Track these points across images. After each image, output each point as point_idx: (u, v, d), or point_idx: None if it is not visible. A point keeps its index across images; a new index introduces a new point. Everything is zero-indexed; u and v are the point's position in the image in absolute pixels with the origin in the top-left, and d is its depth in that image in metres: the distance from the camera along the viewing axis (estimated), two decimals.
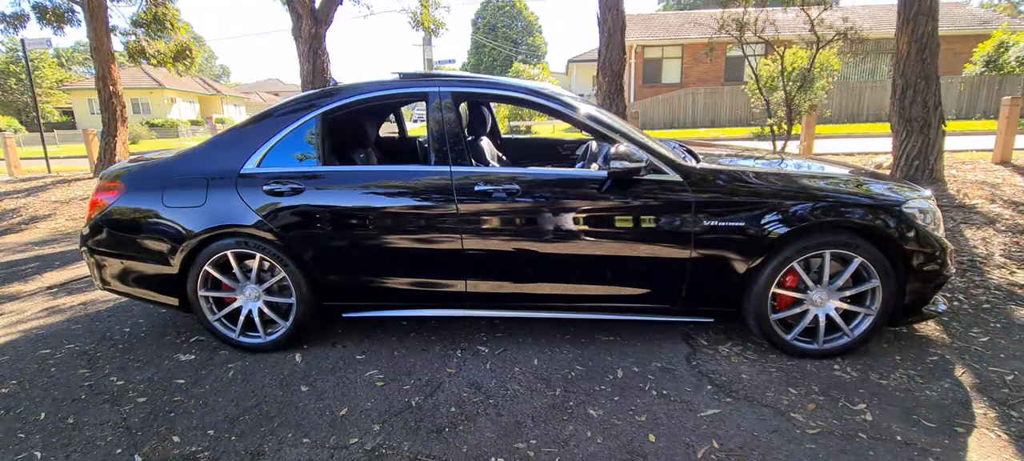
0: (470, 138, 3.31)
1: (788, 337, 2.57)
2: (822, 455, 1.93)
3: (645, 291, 2.58)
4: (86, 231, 2.88)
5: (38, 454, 2.09)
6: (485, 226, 2.54)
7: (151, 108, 34.06)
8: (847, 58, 8.20)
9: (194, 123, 33.87)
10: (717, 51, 19.94)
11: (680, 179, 2.46)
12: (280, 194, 2.62)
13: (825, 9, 6.71)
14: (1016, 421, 2.09)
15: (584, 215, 2.51)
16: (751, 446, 1.99)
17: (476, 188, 2.51)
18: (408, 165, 2.69)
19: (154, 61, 9.89)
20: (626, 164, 2.36)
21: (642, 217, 2.47)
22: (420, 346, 2.86)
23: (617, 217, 2.49)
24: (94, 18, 8.20)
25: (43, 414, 2.37)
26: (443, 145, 2.59)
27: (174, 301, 2.82)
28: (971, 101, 16.64)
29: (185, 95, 37.48)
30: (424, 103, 2.66)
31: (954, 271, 3.07)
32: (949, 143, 6.15)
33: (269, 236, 2.63)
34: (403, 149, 3.92)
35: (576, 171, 2.66)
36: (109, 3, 8.59)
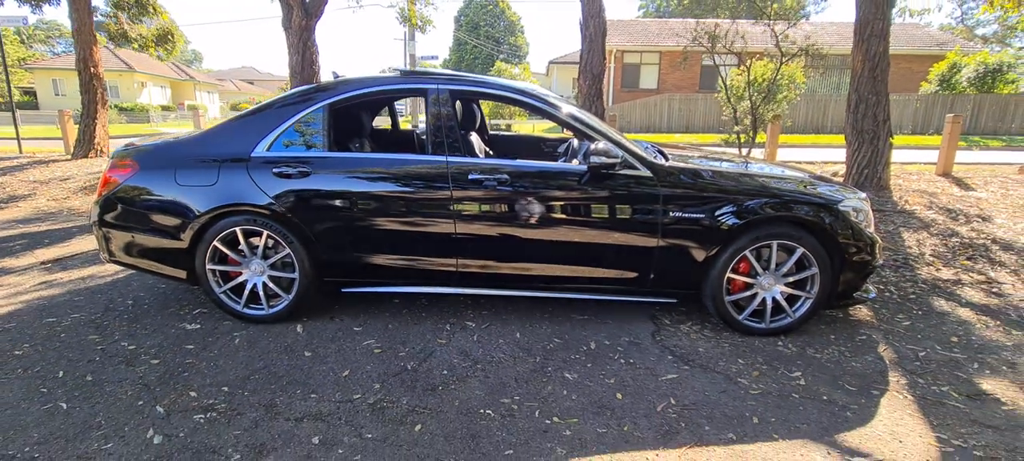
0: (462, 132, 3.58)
1: (740, 317, 2.93)
2: (760, 409, 2.29)
3: (618, 274, 2.91)
4: (98, 206, 3.04)
5: (63, 405, 2.29)
6: (476, 211, 2.83)
7: (120, 92, 33.01)
8: (812, 72, 8.75)
9: (165, 108, 33.03)
10: (692, 60, 20.65)
11: (650, 175, 2.80)
12: (288, 176, 2.85)
13: (790, 26, 7.21)
14: (921, 387, 2.49)
15: (565, 204, 2.82)
16: (702, 403, 2.33)
17: (470, 177, 2.80)
18: (407, 154, 2.96)
19: (136, 45, 9.81)
20: (603, 159, 2.68)
21: (616, 207, 2.80)
22: (412, 320, 3.13)
23: (594, 207, 2.81)
24: (77, 0, 8.13)
25: (61, 372, 2.55)
26: (440, 137, 2.87)
27: (182, 274, 3.02)
28: (926, 117, 17.67)
29: (156, 79, 36.48)
30: (411, 99, 2.92)
31: (881, 262, 3.50)
32: (902, 155, 6.73)
33: (277, 215, 2.85)
34: (395, 140, 4.17)
35: (559, 164, 2.97)
36: None
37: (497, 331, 3.01)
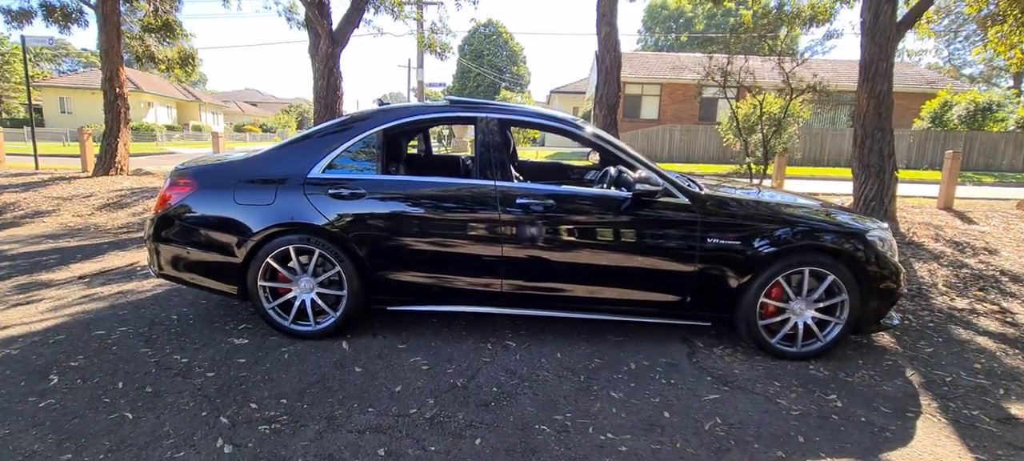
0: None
1: (772, 341, 3.04)
2: (804, 429, 2.38)
3: (656, 297, 3.03)
4: (153, 222, 3.15)
5: (129, 415, 2.36)
6: (523, 233, 2.95)
7: None
8: (813, 107, 9.07)
9: (170, 128, 33.28)
10: (692, 92, 21.16)
11: (689, 203, 2.95)
12: (342, 197, 2.97)
13: (797, 65, 7.51)
14: (953, 410, 2.60)
15: (607, 229, 2.96)
16: (748, 421, 2.43)
17: (518, 200, 2.94)
18: (456, 177, 3.09)
19: (162, 67, 10.04)
20: (647, 186, 2.83)
21: (656, 233, 2.94)
22: (454, 339, 3.22)
23: (635, 232, 2.95)
24: (107, 22, 8.36)
25: (120, 384, 2.62)
26: (489, 162, 3.02)
27: (233, 289, 3.11)
28: (919, 153, 18.11)
29: (163, 100, 36.83)
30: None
31: (906, 291, 3.64)
32: (900, 189, 6.92)
33: (329, 234, 2.97)
34: (436, 164, 4.31)
35: (602, 191, 3.11)
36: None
37: (538, 351, 3.10)
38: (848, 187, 6.89)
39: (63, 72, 41.17)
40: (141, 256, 4.93)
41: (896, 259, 3.07)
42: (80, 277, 4.27)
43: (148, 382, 2.64)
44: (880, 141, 6.20)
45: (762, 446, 2.25)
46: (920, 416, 2.53)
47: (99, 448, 2.12)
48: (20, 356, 2.86)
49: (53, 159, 14.52)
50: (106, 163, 8.84)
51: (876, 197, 6.28)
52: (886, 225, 3.19)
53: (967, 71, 33.75)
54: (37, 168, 10.29)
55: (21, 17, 9.43)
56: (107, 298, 3.80)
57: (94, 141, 9.54)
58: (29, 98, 10.62)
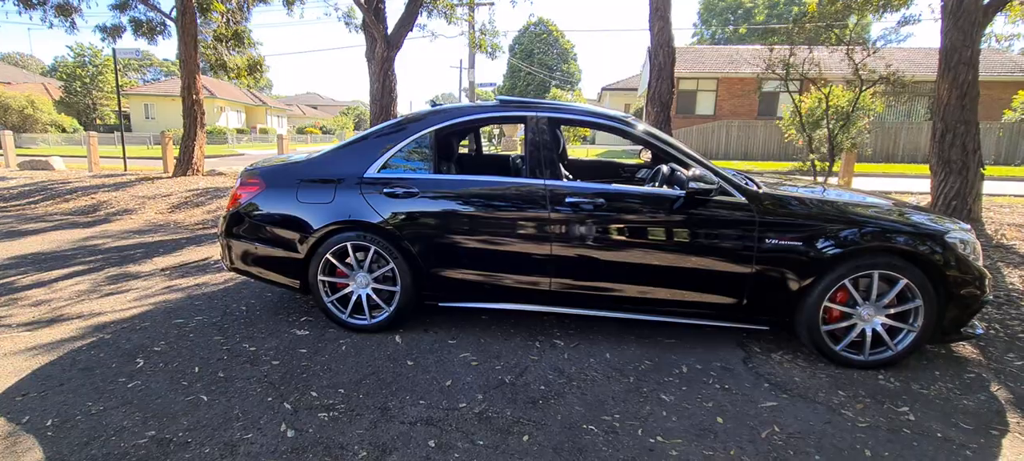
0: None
1: (837, 348, 2.88)
2: (871, 442, 2.25)
3: (710, 298, 2.94)
4: (225, 220, 3.38)
5: (204, 397, 2.55)
6: (572, 232, 2.95)
7: None
8: (887, 99, 8.46)
9: (240, 131, 35.47)
10: (751, 86, 20.26)
11: (746, 201, 2.84)
12: (396, 196, 3.08)
13: (869, 55, 7.04)
14: None
15: (660, 228, 2.90)
16: (808, 431, 2.32)
17: (567, 199, 2.93)
18: (507, 177, 3.13)
19: (232, 74, 10.77)
20: (701, 185, 2.75)
21: (710, 233, 2.85)
22: (502, 336, 3.26)
23: (688, 231, 2.87)
24: (185, 33, 9.05)
25: (197, 368, 2.83)
26: (538, 161, 3.03)
27: (296, 283, 3.29)
28: (1011, 147, 16.51)
29: (233, 105, 39.33)
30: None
31: (991, 298, 3.33)
32: (987, 187, 6.35)
33: (384, 231, 3.08)
34: (486, 163, 4.38)
35: (654, 189, 3.05)
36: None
37: (586, 350, 3.08)
38: (925, 185, 6.39)
39: (147, 81, 44.77)
40: (214, 251, 5.30)
41: (980, 263, 2.83)
42: (162, 269, 4.64)
43: (220, 368, 2.84)
44: (963, 135, 5.72)
45: (824, 458, 2.14)
46: (1007, 434, 2.33)
47: (178, 426, 2.31)
48: (112, 340, 3.15)
49: (139, 161, 15.85)
50: (184, 164, 9.57)
51: (958, 196, 5.80)
52: (968, 226, 2.94)
53: None
54: (125, 169, 11.28)
55: (114, 32, 10.39)
56: (185, 289, 4.11)
57: (174, 144, 10.30)
58: (119, 105, 11.66)
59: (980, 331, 2.96)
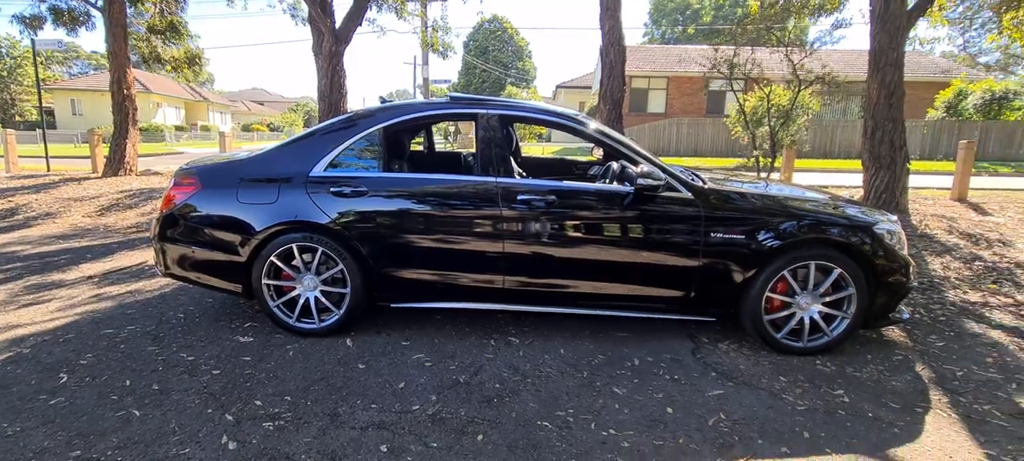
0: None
1: (778, 336, 3.01)
2: (809, 425, 2.36)
3: (660, 292, 3.01)
4: (159, 222, 3.18)
5: (136, 412, 2.38)
6: (526, 229, 2.94)
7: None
8: (823, 98, 8.95)
9: (179, 128, 33.61)
10: (700, 85, 20.98)
11: (692, 197, 2.92)
12: (345, 195, 2.98)
13: (806, 55, 7.41)
14: (963, 405, 2.56)
15: (610, 224, 2.94)
16: (752, 417, 2.41)
17: (519, 197, 2.92)
18: (458, 175, 3.09)
19: (169, 67, 10.14)
20: (649, 181, 2.81)
21: (659, 228, 2.91)
22: (457, 335, 3.22)
23: (638, 227, 2.92)
24: (113, 23, 8.45)
25: (128, 381, 2.65)
26: (490, 158, 3.01)
27: (238, 288, 3.13)
28: (933, 143, 17.83)
29: (171, 100, 37.17)
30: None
31: (916, 285, 3.58)
32: (913, 180, 6.82)
33: (332, 232, 2.98)
34: (437, 161, 4.31)
35: (604, 186, 3.09)
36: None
37: (541, 347, 3.09)
38: (859, 179, 6.80)
39: (74, 75, 41.72)
40: (149, 256, 4.98)
41: (906, 252, 3.02)
42: (89, 277, 4.32)
43: (155, 380, 2.67)
44: (891, 132, 6.10)
45: (766, 442, 2.23)
46: (930, 411, 2.50)
47: (107, 445, 2.15)
48: (31, 355, 2.90)
49: (64, 161, 14.72)
50: (115, 164, 8.95)
51: (887, 189, 6.19)
52: (895, 217, 3.14)
53: (983, 59, 33.07)
54: (49, 170, 10.44)
55: (33, 23, 9.55)
56: (116, 297, 3.85)
57: (104, 142, 9.63)
58: (40, 101, 10.81)
59: (907, 316, 3.17)
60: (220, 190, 3.07)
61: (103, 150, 9.67)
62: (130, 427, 2.27)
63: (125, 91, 8.87)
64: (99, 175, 9.17)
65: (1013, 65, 32.39)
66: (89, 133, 9.80)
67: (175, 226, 3.12)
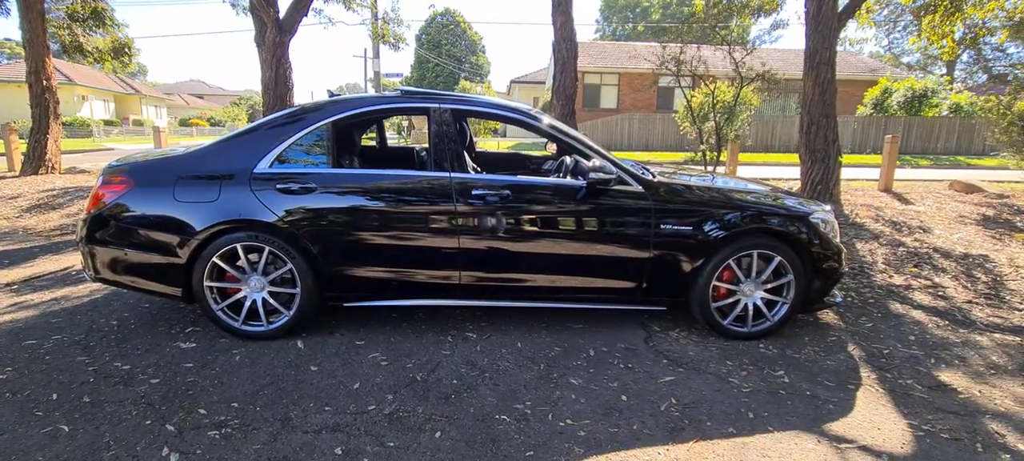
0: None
1: (724, 322, 3.14)
2: (754, 405, 2.48)
3: (613, 283, 3.07)
4: (85, 223, 2.96)
5: (65, 427, 2.22)
6: (480, 225, 2.93)
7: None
8: (763, 95, 9.40)
9: (108, 123, 31.37)
10: (650, 81, 21.54)
11: (643, 190, 3.00)
12: (292, 192, 2.87)
13: (747, 54, 7.74)
14: (889, 381, 2.76)
15: (564, 218, 2.97)
16: (701, 400, 2.51)
17: (473, 192, 2.91)
18: (411, 170, 3.04)
19: (92, 58, 9.39)
20: (601, 175, 2.86)
21: (611, 221, 2.97)
22: (413, 333, 3.18)
23: (591, 220, 2.97)
24: (29, 9, 7.74)
25: (54, 395, 2.46)
26: (443, 154, 2.97)
27: (177, 291, 2.97)
28: (863, 138, 19.08)
29: (99, 93, 34.62)
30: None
31: (847, 270, 3.81)
32: (845, 173, 7.27)
33: (279, 230, 2.87)
34: (390, 157, 4.23)
35: (557, 180, 3.12)
36: None
37: (498, 341, 3.10)
38: (797, 172, 7.18)
39: None
40: (76, 260, 4.63)
41: (838, 240, 3.22)
42: (7, 284, 3.97)
43: (86, 392, 2.49)
44: (825, 127, 6.48)
45: (714, 424, 2.32)
46: (860, 387, 2.68)
47: None
48: None
49: None
50: (35, 161, 8.24)
51: (822, 181, 6.57)
52: (829, 207, 3.33)
53: (905, 59, 35.65)
54: None
55: None
56: (39, 305, 3.56)
57: (21, 138, 8.86)
58: None
59: (840, 299, 3.38)
60: (155, 188, 2.89)
61: (20, 146, 8.89)
62: (58, 444, 2.11)
63: (45, 82, 8.16)
64: (16, 173, 8.42)
65: (931, 65, 35.10)
66: (3, 128, 8.97)
67: (105, 227, 2.91)
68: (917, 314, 3.67)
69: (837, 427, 2.32)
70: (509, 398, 2.50)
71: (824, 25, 6.21)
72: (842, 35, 11.40)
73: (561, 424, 2.31)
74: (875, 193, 7.52)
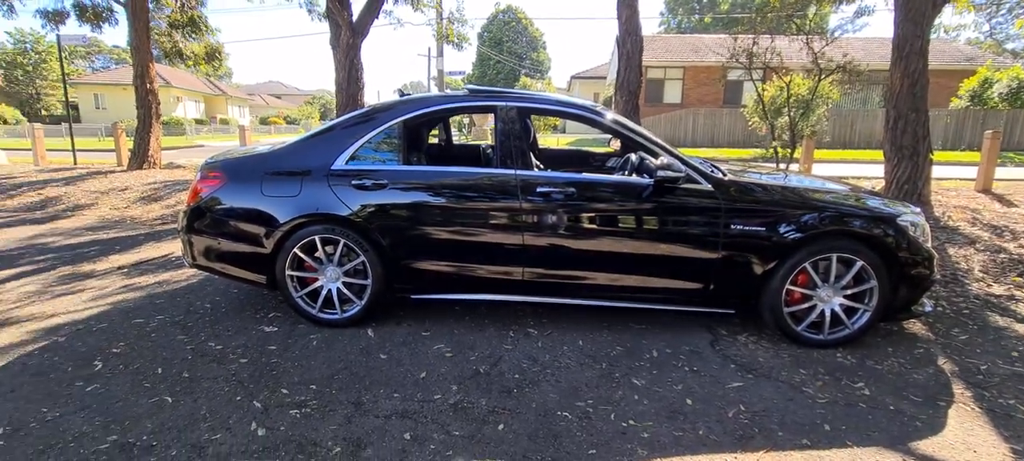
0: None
1: (798, 328, 3.00)
2: (830, 417, 2.35)
3: (678, 284, 3.01)
4: (186, 215, 3.26)
5: (169, 399, 2.47)
6: (544, 222, 2.96)
7: None
8: (843, 88, 8.78)
9: (199, 122, 34.13)
10: (717, 75, 20.69)
11: (712, 189, 2.91)
12: (365, 188, 3.03)
13: (827, 44, 7.27)
14: (987, 399, 2.53)
15: (629, 216, 2.94)
16: (772, 409, 2.41)
17: (538, 189, 2.94)
18: (477, 167, 3.11)
19: (189, 62, 10.31)
20: (669, 173, 2.80)
21: (678, 220, 2.91)
22: (475, 327, 3.27)
23: (657, 219, 2.93)
24: (136, 19, 8.60)
25: (160, 369, 2.74)
26: (509, 150, 3.03)
27: (263, 279, 3.21)
28: (957, 133, 17.40)
29: (191, 94, 37.76)
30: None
31: (938, 277, 3.52)
32: (936, 171, 6.68)
33: (353, 224, 3.03)
34: (456, 154, 4.35)
35: (623, 178, 3.09)
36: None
37: (559, 338, 3.12)
38: (880, 170, 6.68)
39: (97, 69, 42.53)
40: (175, 247, 5.10)
41: (929, 244, 2.98)
42: (119, 268, 4.45)
43: (185, 368, 2.75)
44: (914, 122, 5.98)
45: (786, 434, 2.23)
46: (952, 405, 2.48)
47: (142, 429, 2.23)
48: (66, 343, 3.01)
49: (90, 154, 15.06)
50: (139, 157, 9.16)
51: (909, 180, 6.07)
52: (918, 209, 3.09)
53: (1010, 46, 32.05)
54: (75, 163, 10.71)
55: (56, 18, 9.78)
56: (145, 288, 3.96)
57: (127, 136, 9.84)
58: (66, 95, 11.08)
59: (929, 309, 3.13)
60: (245, 183, 3.14)
61: (127, 143, 9.88)
62: (163, 413, 2.35)
63: (148, 85, 9.05)
64: (124, 168, 9.38)
65: None
66: (113, 127, 10.02)
67: (202, 218, 3.20)
68: (1021, 328, 3.33)
69: (925, 446, 2.16)
70: (571, 395, 2.52)
71: (916, 11, 5.72)
72: (936, 22, 10.45)
73: (624, 424, 2.30)
74: (971, 194, 6.86)
